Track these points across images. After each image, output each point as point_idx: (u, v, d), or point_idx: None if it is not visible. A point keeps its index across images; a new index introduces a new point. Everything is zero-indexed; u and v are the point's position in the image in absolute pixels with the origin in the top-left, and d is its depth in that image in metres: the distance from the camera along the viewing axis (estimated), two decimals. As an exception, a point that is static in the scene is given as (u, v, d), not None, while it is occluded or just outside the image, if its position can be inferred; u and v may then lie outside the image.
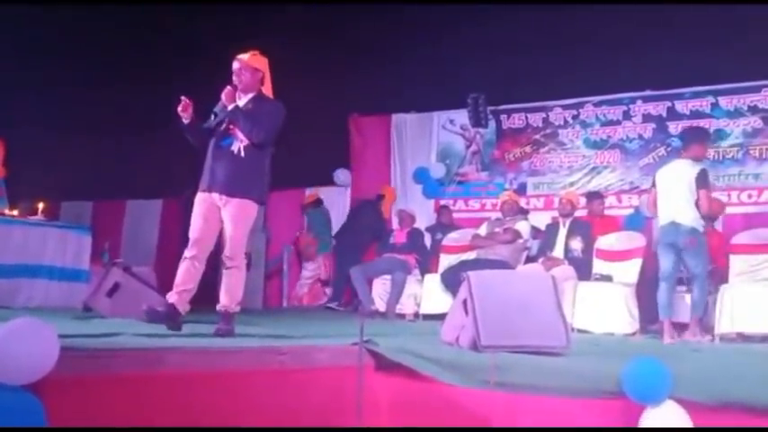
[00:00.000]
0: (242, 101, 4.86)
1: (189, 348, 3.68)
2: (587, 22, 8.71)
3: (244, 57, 4.87)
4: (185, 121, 4.76)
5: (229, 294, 4.72)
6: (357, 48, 9.86)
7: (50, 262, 7.18)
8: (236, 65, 4.86)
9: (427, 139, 10.46)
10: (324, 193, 10.81)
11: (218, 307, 4.73)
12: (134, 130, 10.62)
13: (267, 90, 4.97)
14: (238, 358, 3.64)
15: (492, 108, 9.79)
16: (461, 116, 10.05)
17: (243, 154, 4.76)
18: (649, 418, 3.11)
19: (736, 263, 6.46)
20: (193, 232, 4.76)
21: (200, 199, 4.80)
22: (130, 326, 4.69)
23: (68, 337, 3.44)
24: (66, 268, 7.28)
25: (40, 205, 7.61)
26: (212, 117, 4.85)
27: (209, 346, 3.83)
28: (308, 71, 9.91)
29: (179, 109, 4.74)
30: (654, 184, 6.31)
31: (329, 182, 10.63)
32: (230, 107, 4.78)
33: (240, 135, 4.75)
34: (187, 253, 4.73)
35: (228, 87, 4.81)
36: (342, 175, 10.53)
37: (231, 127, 4.78)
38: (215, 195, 4.74)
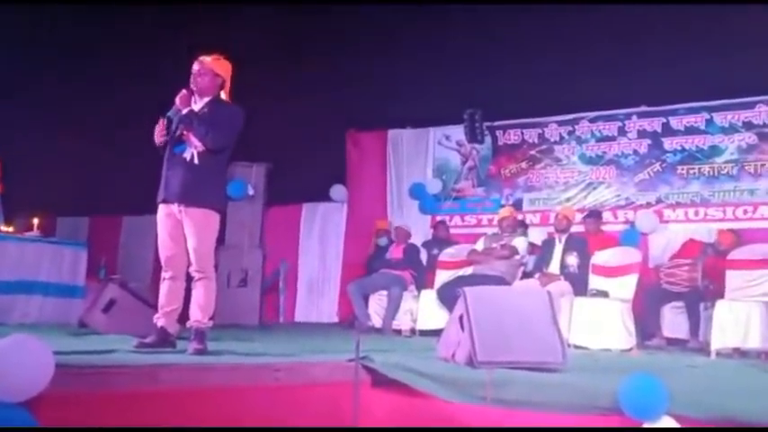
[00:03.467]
0: (197, 105, 4.69)
1: (184, 365, 3.67)
2: (582, 39, 8.75)
3: (206, 59, 4.71)
4: (159, 141, 4.67)
5: (200, 308, 4.58)
6: (353, 63, 9.88)
7: (46, 278, 7.18)
8: (196, 66, 4.69)
9: (423, 154, 10.47)
10: (320, 209, 10.83)
11: (190, 323, 4.58)
12: (130, 146, 10.63)
13: (226, 96, 4.81)
14: (234, 374, 3.63)
15: (488, 124, 9.81)
16: (457, 132, 10.08)
17: (197, 161, 4.58)
18: (646, 435, 3.10)
19: (733, 278, 6.45)
20: (163, 252, 4.68)
21: (162, 214, 4.68)
22: (126, 342, 4.66)
23: (63, 353, 3.43)
24: (62, 284, 7.27)
25: (36, 221, 7.61)
26: (165, 122, 4.66)
27: (204, 362, 3.82)
28: (304, 87, 9.96)
29: (157, 131, 4.64)
30: None
31: (325, 198, 10.63)
32: (184, 111, 4.62)
33: (194, 141, 4.58)
34: (164, 274, 4.67)
35: (184, 91, 4.66)
36: (338, 191, 10.53)
37: (184, 132, 4.60)
38: (173, 206, 4.61)
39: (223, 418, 3.39)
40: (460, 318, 4.20)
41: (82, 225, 11.55)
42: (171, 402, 3.29)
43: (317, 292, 10.60)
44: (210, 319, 4.65)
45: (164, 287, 4.67)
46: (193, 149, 4.61)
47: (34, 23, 10.20)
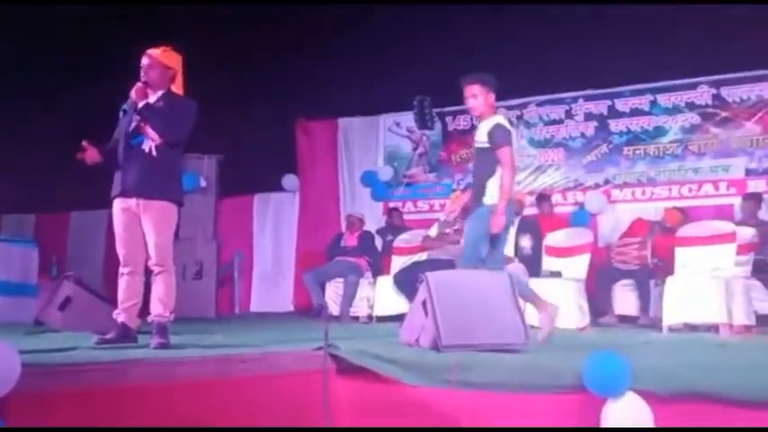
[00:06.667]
0: (152, 98, 4.64)
1: (151, 360, 3.64)
2: (526, 23, 8.84)
3: (155, 52, 4.65)
4: (91, 162, 4.58)
5: (161, 302, 4.53)
6: (302, 52, 9.85)
7: (-4, 277, 7.05)
8: (145, 60, 4.63)
9: (374, 142, 10.52)
10: (272, 199, 10.81)
11: (150, 318, 4.53)
12: (75, 139, 10.46)
13: (178, 88, 4.77)
14: (201, 368, 3.61)
15: (438, 110, 9.88)
16: (407, 119, 10.13)
17: (155, 153, 4.54)
18: (611, 411, 3.18)
19: (681, 255, 6.62)
20: (120, 248, 4.62)
21: (118, 209, 4.62)
22: (85, 339, 4.60)
23: (25, 352, 3.38)
24: (13, 283, 7.13)
25: (-16, 219, 7.47)
26: (121, 114, 4.62)
27: (172, 357, 3.80)
28: (253, 76, 9.89)
29: (78, 156, 4.59)
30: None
31: (278, 188, 10.60)
32: (141, 104, 4.57)
33: (151, 134, 4.52)
34: (122, 269, 4.62)
35: (139, 84, 4.59)
36: (290, 180, 10.51)
37: (142, 125, 4.54)
38: (131, 201, 4.56)
39: (192, 411, 3.39)
40: (423, 303, 4.24)
41: (28, 222, 11.32)
42: (139, 399, 3.27)
43: (271, 282, 10.60)
44: (171, 312, 4.61)
45: (122, 282, 4.62)
46: (151, 142, 4.55)
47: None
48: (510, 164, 5.01)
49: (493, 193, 5.02)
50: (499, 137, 5.05)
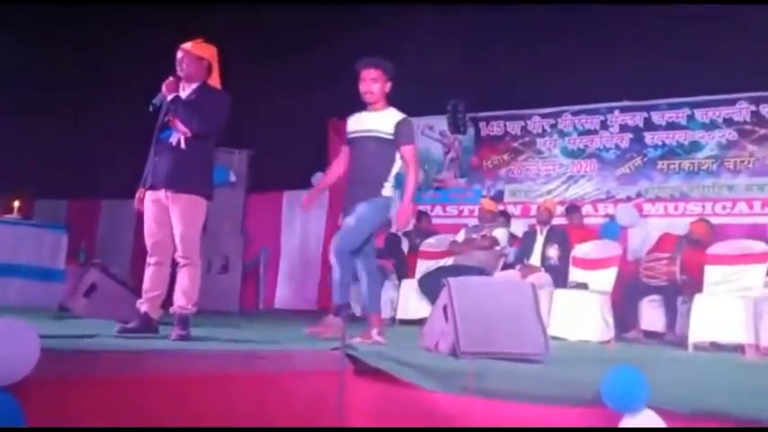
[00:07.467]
0: (185, 91, 4.69)
1: (169, 351, 3.66)
2: (566, 32, 8.78)
3: (187, 45, 4.70)
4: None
5: (184, 294, 4.56)
6: (336, 51, 9.85)
7: (26, 261, 7.13)
8: (179, 54, 4.68)
9: (406, 144, 10.46)
10: (302, 196, 10.79)
11: (173, 309, 4.56)
12: (110, 130, 10.59)
13: (215, 80, 4.79)
14: (219, 362, 3.62)
15: (471, 115, 9.84)
16: (440, 122, 10.09)
17: (183, 146, 4.57)
18: (626, 427, 3.13)
19: (711, 273, 6.54)
20: (149, 237, 4.66)
21: (148, 200, 4.66)
22: (107, 327, 4.64)
23: (46, 337, 3.41)
24: (42, 267, 7.23)
25: (16, 203, 7.54)
26: (150, 108, 4.64)
27: (189, 349, 3.82)
28: (287, 74, 9.92)
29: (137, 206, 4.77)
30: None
31: (307, 185, 10.60)
32: (170, 97, 4.60)
33: (180, 127, 4.56)
34: (149, 260, 4.66)
35: (170, 78, 4.64)
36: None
37: (171, 118, 4.59)
38: (160, 193, 4.60)
39: (208, 404, 3.39)
40: (444, 308, 4.22)
41: (60, 208, 11.45)
42: (156, 388, 3.28)
43: (297, 280, 10.62)
44: (194, 305, 4.63)
45: (148, 272, 4.65)
46: (180, 135, 4.59)
47: (10, 6, 10.07)
48: (417, 163, 5.08)
49: (389, 186, 4.94)
50: (409, 133, 4.98)
